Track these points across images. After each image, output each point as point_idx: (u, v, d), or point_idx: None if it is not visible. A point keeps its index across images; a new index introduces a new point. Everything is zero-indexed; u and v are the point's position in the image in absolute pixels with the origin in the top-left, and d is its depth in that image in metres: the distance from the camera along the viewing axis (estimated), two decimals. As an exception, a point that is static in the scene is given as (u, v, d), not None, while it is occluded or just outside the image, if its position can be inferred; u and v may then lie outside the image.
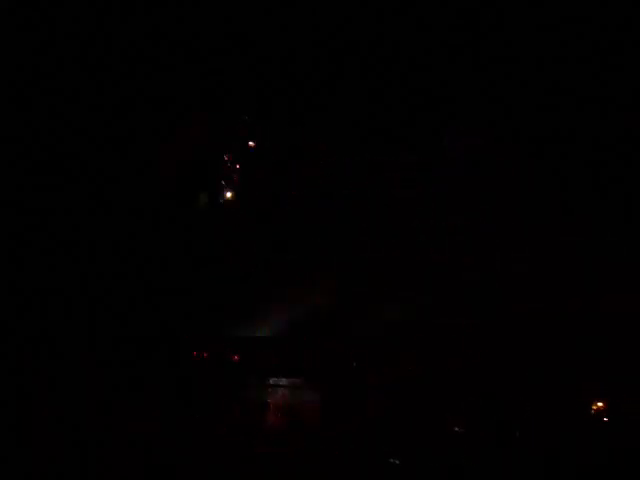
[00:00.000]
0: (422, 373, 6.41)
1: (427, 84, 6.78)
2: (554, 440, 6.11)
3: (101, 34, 6.64)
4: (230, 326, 6.58)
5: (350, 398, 6.35)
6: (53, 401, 6.16)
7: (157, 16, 6.67)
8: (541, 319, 6.43)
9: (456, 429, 6.20)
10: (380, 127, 6.84)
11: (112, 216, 6.62)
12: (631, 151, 6.59)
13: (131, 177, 6.68)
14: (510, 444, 6.13)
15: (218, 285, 6.63)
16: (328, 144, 6.89)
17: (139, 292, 6.50)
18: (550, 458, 6.07)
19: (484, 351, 6.43)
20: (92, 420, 6.10)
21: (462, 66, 6.74)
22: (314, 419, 6.27)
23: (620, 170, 6.59)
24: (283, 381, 6.43)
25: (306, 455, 6.10)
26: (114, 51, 6.67)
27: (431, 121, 6.80)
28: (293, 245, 6.76)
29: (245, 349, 6.52)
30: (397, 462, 6.04)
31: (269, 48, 6.80)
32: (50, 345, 6.31)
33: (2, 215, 6.50)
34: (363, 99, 6.83)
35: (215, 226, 6.80)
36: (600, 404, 6.22)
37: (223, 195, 6.82)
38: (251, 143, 6.77)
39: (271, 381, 6.44)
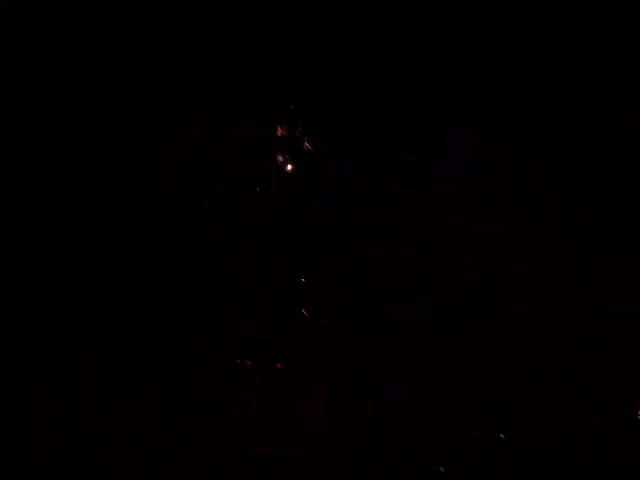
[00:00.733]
0: (422, 373, 6.42)
1: (427, 84, 6.79)
2: (554, 440, 6.11)
3: (101, 34, 6.65)
4: (230, 326, 6.59)
5: (351, 398, 6.36)
6: (53, 401, 6.17)
7: (157, 16, 6.68)
8: (541, 319, 6.43)
9: (456, 430, 6.21)
10: (380, 127, 6.84)
11: (112, 216, 6.63)
12: (631, 151, 6.59)
13: (131, 177, 6.69)
14: (510, 444, 6.14)
15: (219, 285, 6.65)
16: (328, 144, 6.90)
17: (139, 292, 6.51)
18: (550, 458, 6.08)
19: (484, 351, 6.44)
20: (92, 420, 6.11)
21: (462, 66, 6.74)
22: (315, 419, 6.28)
23: (620, 170, 6.59)
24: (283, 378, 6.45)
25: (306, 456, 6.11)
26: (114, 51, 6.68)
27: (431, 121, 6.80)
28: (293, 245, 6.77)
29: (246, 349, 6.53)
30: (442, 469, 6.01)
31: (268, 48, 6.80)
32: (50, 345, 6.32)
33: (2, 215, 6.51)
34: (363, 99, 6.83)
35: (215, 226, 6.80)
36: (600, 404, 6.22)
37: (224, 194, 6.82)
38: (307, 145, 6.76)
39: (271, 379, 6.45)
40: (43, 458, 5.95)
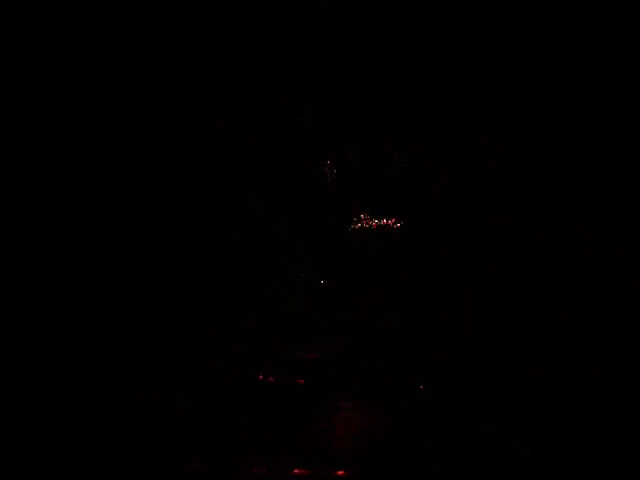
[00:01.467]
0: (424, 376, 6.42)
1: (427, 84, 6.80)
2: (555, 439, 6.11)
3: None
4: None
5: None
6: (53, 401, 6.16)
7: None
8: (541, 319, 6.44)
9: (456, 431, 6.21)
10: (381, 126, 6.85)
11: (112, 216, 6.63)
12: (631, 151, 6.61)
13: (131, 176, 6.69)
14: (510, 444, 6.14)
15: (220, 284, 6.65)
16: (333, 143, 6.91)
17: (139, 292, 6.51)
18: (551, 457, 6.08)
19: (484, 351, 6.44)
20: (92, 420, 6.10)
21: (462, 66, 6.75)
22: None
23: (621, 169, 6.61)
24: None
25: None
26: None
27: (431, 120, 6.81)
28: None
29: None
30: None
31: (267, 48, 6.81)
32: (50, 345, 6.32)
33: (2, 215, 6.51)
34: (363, 99, 6.84)
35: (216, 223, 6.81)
36: (600, 403, 6.23)
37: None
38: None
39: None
40: (43, 458, 5.93)
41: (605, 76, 6.63)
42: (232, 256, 6.72)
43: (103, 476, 5.91)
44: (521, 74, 6.73)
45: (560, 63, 6.70)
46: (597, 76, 6.65)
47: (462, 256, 6.66)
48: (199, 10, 6.74)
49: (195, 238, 6.70)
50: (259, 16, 6.78)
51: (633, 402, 6.16)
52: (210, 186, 6.82)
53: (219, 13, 6.75)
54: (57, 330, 6.36)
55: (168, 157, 6.75)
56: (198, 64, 6.77)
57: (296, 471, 5.95)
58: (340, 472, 5.89)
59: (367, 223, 6.84)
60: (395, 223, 6.81)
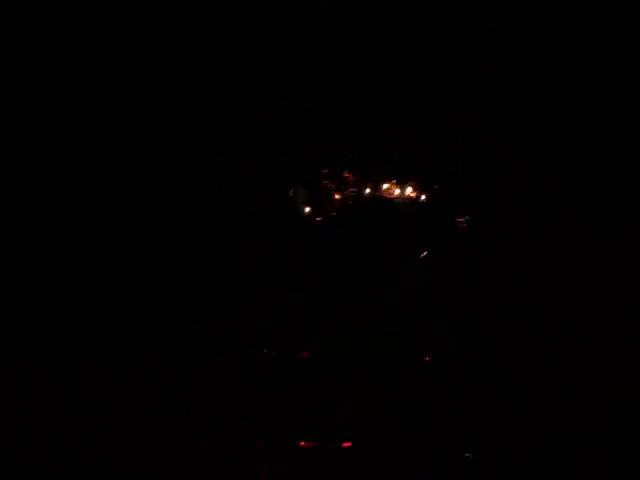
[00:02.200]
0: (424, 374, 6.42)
1: (427, 84, 6.79)
2: (555, 438, 6.11)
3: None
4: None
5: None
6: (53, 401, 6.15)
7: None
8: (541, 319, 6.44)
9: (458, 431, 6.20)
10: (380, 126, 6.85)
11: (112, 216, 6.63)
12: (631, 151, 6.60)
13: (131, 176, 6.68)
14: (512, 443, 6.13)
15: (221, 283, 6.64)
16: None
17: (139, 292, 6.51)
18: (551, 456, 6.07)
19: (484, 350, 6.44)
20: (92, 420, 6.10)
21: (462, 66, 6.75)
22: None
23: (620, 170, 6.60)
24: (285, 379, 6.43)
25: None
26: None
27: (431, 120, 6.81)
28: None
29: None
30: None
31: (267, 49, 6.81)
32: (50, 345, 6.31)
33: (2, 215, 6.51)
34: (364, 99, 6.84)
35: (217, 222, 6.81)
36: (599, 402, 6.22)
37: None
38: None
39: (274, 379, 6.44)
40: (43, 458, 5.93)
41: (605, 76, 6.64)
42: (232, 256, 6.72)
43: (103, 476, 5.91)
44: (521, 74, 6.73)
45: (560, 63, 6.70)
46: (597, 76, 6.65)
47: (462, 256, 6.66)
48: (199, 10, 6.74)
49: (195, 238, 6.70)
50: (259, 16, 6.78)
51: (633, 402, 6.16)
52: (210, 186, 6.81)
53: (219, 13, 6.75)
54: (57, 330, 6.35)
55: (168, 157, 6.75)
56: (198, 64, 6.77)
57: (302, 443, 5.97)
58: (346, 444, 5.92)
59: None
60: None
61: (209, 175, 6.82)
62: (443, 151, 6.83)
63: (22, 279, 6.45)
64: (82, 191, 6.62)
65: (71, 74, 6.65)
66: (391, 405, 6.31)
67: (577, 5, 6.61)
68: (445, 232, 6.73)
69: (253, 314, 6.59)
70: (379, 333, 6.54)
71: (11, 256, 6.47)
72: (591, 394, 6.24)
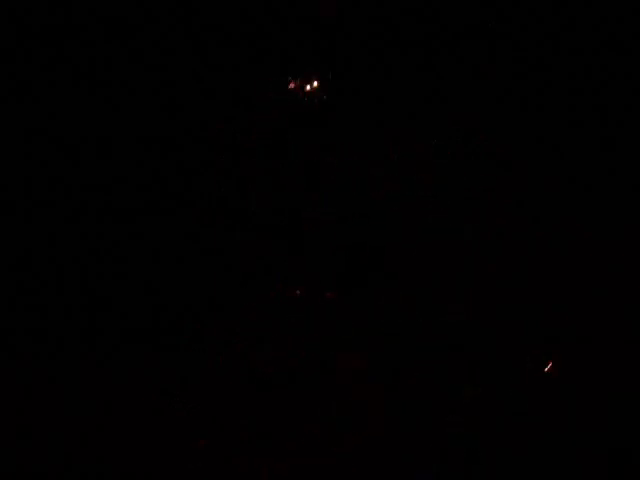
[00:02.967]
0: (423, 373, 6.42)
1: (427, 84, 6.80)
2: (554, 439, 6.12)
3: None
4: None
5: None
6: (53, 401, 6.16)
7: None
8: (541, 319, 6.44)
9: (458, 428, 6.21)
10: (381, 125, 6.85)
11: (112, 216, 6.63)
12: (631, 151, 6.60)
13: (131, 176, 6.69)
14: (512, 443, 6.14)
15: (222, 283, 6.64)
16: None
17: (139, 292, 6.51)
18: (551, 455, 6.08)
19: (484, 350, 6.44)
20: (92, 420, 6.10)
21: (462, 66, 6.75)
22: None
23: (620, 170, 6.60)
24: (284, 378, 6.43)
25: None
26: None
27: (431, 120, 6.81)
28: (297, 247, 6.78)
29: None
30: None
31: (267, 49, 6.81)
32: (50, 345, 6.31)
33: (2, 215, 6.51)
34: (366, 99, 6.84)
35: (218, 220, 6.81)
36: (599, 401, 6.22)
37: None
38: None
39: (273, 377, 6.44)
40: (43, 458, 5.93)
41: (605, 76, 6.64)
42: (232, 256, 6.72)
43: (103, 476, 5.91)
44: (521, 74, 6.73)
45: (560, 63, 6.70)
46: (597, 76, 6.65)
47: (462, 256, 6.66)
48: (199, 10, 6.74)
49: (195, 238, 6.70)
50: (259, 16, 6.78)
51: (633, 402, 6.16)
52: (210, 186, 6.82)
53: (219, 13, 6.76)
54: (57, 330, 6.35)
55: (168, 157, 6.75)
56: (198, 64, 6.77)
57: (302, 443, 5.98)
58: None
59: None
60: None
61: (209, 175, 6.82)
62: (443, 151, 6.83)
63: (22, 279, 6.45)
64: (82, 191, 6.62)
65: (71, 74, 6.65)
66: (391, 405, 6.31)
67: (577, 5, 6.61)
68: (445, 232, 6.73)
69: (253, 314, 6.59)
70: (379, 333, 6.54)
71: (11, 256, 6.47)
72: (591, 394, 6.24)
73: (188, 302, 6.53)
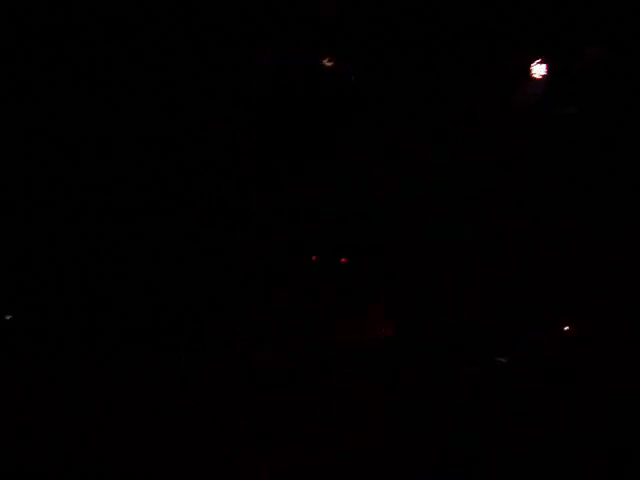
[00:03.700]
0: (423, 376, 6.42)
1: (427, 84, 6.80)
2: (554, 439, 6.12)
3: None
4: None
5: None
6: (53, 401, 6.16)
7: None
8: (541, 318, 6.44)
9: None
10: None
11: (112, 216, 6.63)
12: (631, 151, 6.61)
13: (131, 176, 6.69)
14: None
15: (223, 282, 6.64)
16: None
17: (139, 292, 6.51)
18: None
19: (484, 350, 6.44)
20: (92, 420, 6.10)
21: (462, 66, 6.76)
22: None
23: (620, 170, 6.61)
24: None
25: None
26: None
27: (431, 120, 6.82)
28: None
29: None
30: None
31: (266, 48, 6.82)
32: (50, 345, 6.32)
33: (2, 215, 6.52)
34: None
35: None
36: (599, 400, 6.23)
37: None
38: None
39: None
40: (43, 458, 5.93)
41: (605, 76, 6.63)
42: (232, 256, 6.72)
43: (103, 476, 5.91)
44: (521, 74, 6.73)
45: (560, 63, 6.70)
46: (597, 76, 6.65)
47: (462, 256, 6.66)
48: (199, 10, 6.74)
49: (195, 238, 6.70)
50: (259, 16, 6.78)
51: (633, 402, 6.16)
52: (210, 186, 6.82)
53: (219, 13, 6.75)
54: (57, 330, 6.35)
55: (168, 157, 6.75)
56: (198, 64, 6.77)
57: (302, 443, 5.97)
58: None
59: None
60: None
61: (209, 175, 6.82)
62: (443, 151, 6.83)
63: (22, 279, 6.45)
64: (82, 191, 6.62)
65: (71, 74, 6.65)
66: (391, 405, 6.31)
67: (577, 5, 6.61)
68: (445, 232, 6.73)
69: (253, 314, 6.59)
70: (379, 333, 6.54)
71: (11, 256, 6.47)
72: (591, 394, 6.24)
73: (188, 302, 6.54)
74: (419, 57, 6.78)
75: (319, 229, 6.78)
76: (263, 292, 6.64)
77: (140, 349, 6.36)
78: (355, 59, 6.81)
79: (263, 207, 6.83)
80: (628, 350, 6.33)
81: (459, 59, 6.74)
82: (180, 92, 6.77)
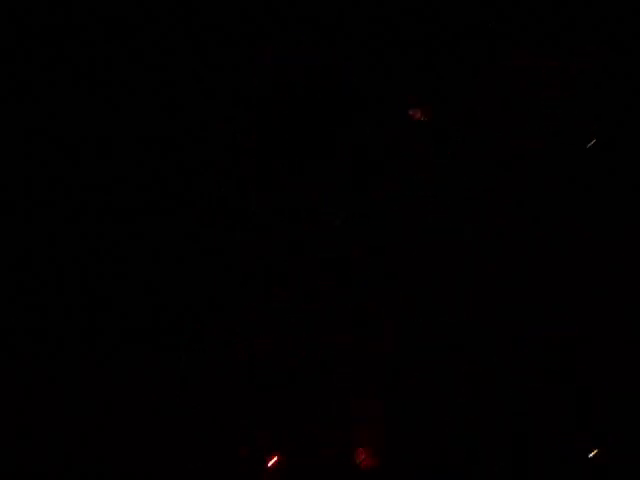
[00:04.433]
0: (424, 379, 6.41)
1: (427, 84, 6.80)
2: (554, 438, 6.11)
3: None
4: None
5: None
6: (53, 401, 6.15)
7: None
8: (541, 319, 6.43)
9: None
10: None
11: (112, 216, 6.62)
12: (631, 151, 6.60)
13: (131, 176, 6.68)
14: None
15: (223, 282, 6.64)
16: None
17: (139, 292, 6.50)
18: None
19: (484, 350, 6.43)
20: (92, 420, 6.09)
21: (462, 66, 6.75)
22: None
23: (620, 170, 6.60)
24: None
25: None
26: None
27: (431, 120, 6.81)
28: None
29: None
30: None
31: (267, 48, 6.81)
32: (50, 345, 6.31)
33: (2, 215, 6.51)
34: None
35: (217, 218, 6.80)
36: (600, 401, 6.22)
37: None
38: None
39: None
40: (43, 458, 5.93)
41: (605, 76, 6.63)
42: (232, 256, 6.71)
43: (103, 476, 5.91)
44: (521, 73, 6.72)
45: (560, 62, 6.70)
46: (597, 76, 6.65)
47: (462, 256, 6.65)
48: (199, 10, 6.73)
49: (195, 238, 6.70)
50: (259, 16, 6.77)
51: (633, 402, 6.15)
52: (210, 186, 6.81)
53: (219, 13, 6.75)
54: (57, 330, 6.35)
55: (168, 157, 6.75)
56: (198, 64, 6.76)
57: (302, 444, 5.95)
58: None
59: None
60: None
61: (209, 175, 6.81)
62: (443, 150, 6.83)
63: (22, 279, 6.44)
64: (82, 191, 6.62)
65: (71, 74, 6.64)
66: (391, 405, 6.30)
67: (577, 5, 6.61)
68: (445, 232, 6.72)
69: (253, 314, 6.58)
70: (379, 333, 6.54)
71: (11, 256, 6.47)
72: (591, 394, 6.23)
73: (188, 302, 6.53)
74: (419, 57, 6.78)
75: (319, 229, 6.78)
76: (263, 292, 6.63)
77: (140, 349, 6.36)
78: (355, 59, 6.80)
79: (263, 207, 6.82)
80: (628, 350, 6.32)
81: (459, 59, 6.74)
82: (180, 92, 6.77)
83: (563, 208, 6.65)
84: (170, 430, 6.09)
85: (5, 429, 5.99)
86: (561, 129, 6.70)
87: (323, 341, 6.53)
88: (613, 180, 6.60)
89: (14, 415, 6.05)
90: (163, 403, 6.19)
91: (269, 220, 6.82)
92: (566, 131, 6.69)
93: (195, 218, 6.75)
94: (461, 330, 6.46)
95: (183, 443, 6.06)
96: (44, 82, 6.62)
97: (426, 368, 6.41)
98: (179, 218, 6.70)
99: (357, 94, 6.88)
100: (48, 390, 6.16)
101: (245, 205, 6.84)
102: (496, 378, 6.34)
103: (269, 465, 5.99)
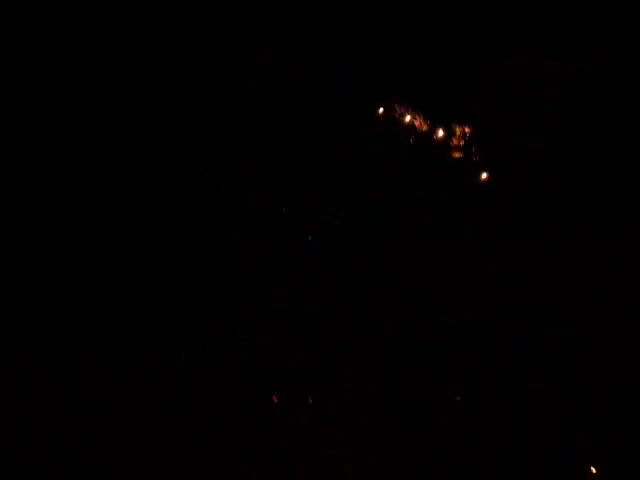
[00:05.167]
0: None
1: (427, 84, 6.80)
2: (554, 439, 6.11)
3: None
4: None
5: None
6: (53, 401, 6.15)
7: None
8: (541, 319, 6.43)
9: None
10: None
11: (112, 216, 6.63)
12: (631, 151, 6.60)
13: (131, 176, 6.68)
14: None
15: (223, 282, 6.64)
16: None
17: (139, 292, 6.50)
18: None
19: (484, 350, 6.44)
20: (92, 420, 6.10)
21: (462, 66, 6.76)
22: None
23: (620, 170, 6.60)
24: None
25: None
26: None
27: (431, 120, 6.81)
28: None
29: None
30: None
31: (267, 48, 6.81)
32: (50, 345, 6.31)
33: (2, 215, 6.51)
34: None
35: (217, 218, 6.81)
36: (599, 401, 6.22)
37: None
38: None
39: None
40: (43, 458, 5.93)
41: (605, 76, 6.63)
42: (232, 256, 6.71)
43: (103, 476, 5.91)
44: (520, 73, 6.73)
45: (560, 62, 6.70)
46: (597, 76, 6.65)
47: (462, 256, 6.66)
48: (199, 10, 6.74)
49: (195, 238, 6.70)
50: (259, 16, 6.78)
51: (633, 402, 6.15)
52: (210, 186, 6.82)
53: (219, 13, 6.75)
54: (57, 330, 6.35)
55: (168, 157, 6.75)
56: (198, 64, 6.77)
57: (302, 443, 5.95)
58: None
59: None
60: None
61: (209, 175, 6.82)
62: (443, 150, 6.83)
63: (22, 279, 6.45)
64: (82, 191, 6.62)
65: (71, 74, 6.65)
66: (391, 405, 6.30)
67: (577, 5, 6.61)
68: (445, 232, 6.72)
69: (253, 314, 6.58)
70: (379, 333, 6.54)
71: (11, 256, 6.47)
72: (591, 394, 6.24)
73: (188, 302, 6.53)
74: (419, 57, 6.78)
75: (319, 229, 6.78)
76: (263, 292, 6.63)
77: (140, 349, 6.36)
78: (355, 59, 6.81)
79: (263, 207, 6.83)
80: (628, 350, 6.32)
81: (459, 59, 6.74)
82: (180, 92, 6.77)
83: (563, 208, 6.65)
84: (170, 430, 6.09)
85: (5, 429, 5.99)
86: (561, 129, 6.70)
87: (323, 341, 6.53)
88: (613, 180, 6.60)
89: (14, 415, 6.05)
90: (163, 403, 6.19)
91: (269, 220, 6.83)
92: (566, 131, 6.69)
93: (195, 218, 6.75)
94: (461, 330, 6.46)
95: (183, 443, 6.05)
96: (44, 82, 6.63)
97: (426, 368, 6.40)
98: (179, 218, 6.71)
99: (357, 94, 6.88)
100: (48, 390, 6.16)
101: (245, 205, 6.85)
102: (496, 378, 6.34)
103: (269, 462, 5.99)
